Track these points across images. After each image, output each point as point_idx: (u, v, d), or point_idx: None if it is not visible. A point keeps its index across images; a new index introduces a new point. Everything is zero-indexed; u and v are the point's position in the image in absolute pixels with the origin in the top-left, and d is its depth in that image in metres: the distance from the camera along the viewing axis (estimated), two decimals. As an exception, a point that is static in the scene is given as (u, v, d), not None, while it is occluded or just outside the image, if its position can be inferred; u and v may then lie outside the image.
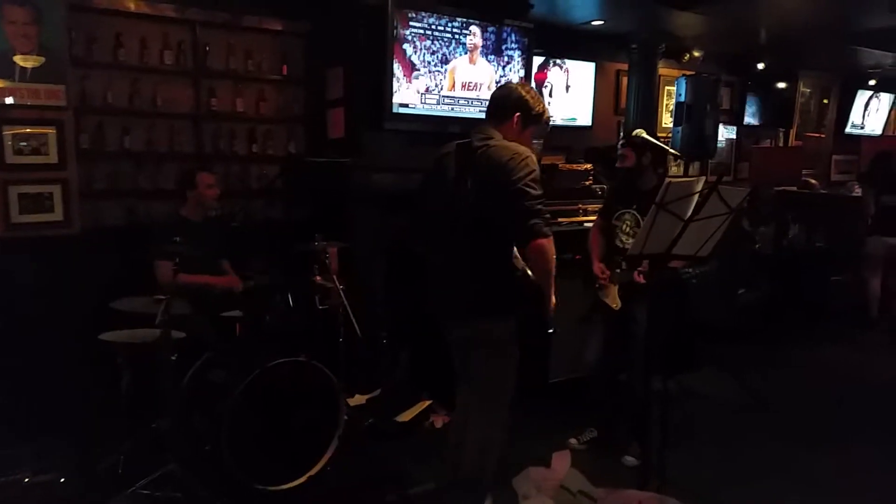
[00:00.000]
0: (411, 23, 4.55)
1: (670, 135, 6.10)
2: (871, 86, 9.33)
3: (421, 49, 4.63)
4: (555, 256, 2.65)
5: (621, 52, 6.50)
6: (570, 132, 6.45)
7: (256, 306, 3.66)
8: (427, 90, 4.71)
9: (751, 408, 4.64)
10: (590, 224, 4.17)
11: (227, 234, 4.29)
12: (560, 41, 6.10)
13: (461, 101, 4.90)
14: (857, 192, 7.63)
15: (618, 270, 3.68)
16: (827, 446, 4.01)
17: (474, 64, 4.93)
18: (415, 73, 4.64)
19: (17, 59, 3.83)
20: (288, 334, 3.59)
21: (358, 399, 4.30)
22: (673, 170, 6.82)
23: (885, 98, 9.78)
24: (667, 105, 7.18)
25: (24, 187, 3.92)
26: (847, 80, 9.29)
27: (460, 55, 4.84)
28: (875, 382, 5.22)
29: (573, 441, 3.91)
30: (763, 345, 5.93)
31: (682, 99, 5.86)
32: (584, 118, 6.65)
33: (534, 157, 2.69)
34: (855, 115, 9.51)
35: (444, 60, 4.77)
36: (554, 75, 6.33)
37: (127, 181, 4.54)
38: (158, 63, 4.58)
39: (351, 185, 4.66)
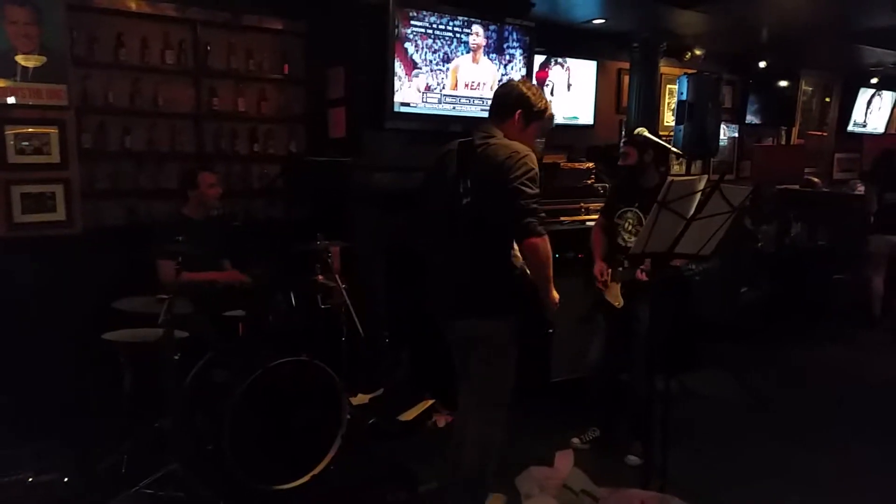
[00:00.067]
0: (412, 22, 4.55)
1: (672, 133, 6.09)
2: (873, 84, 9.31)
3: (422, 48, 4.62)
4: (551, 255, 2.65)
5: (623, 50, 6.49)
6: (572, 131, 6.45)
7: (259, 306, 3.66)
8: (428, 89, 4.70)
9: (752, 407, 4.64)
10: (592, 223, 4.17)
11: (229, 233, 4.29)
12: (561, 40, 6.09)
13: (462, 100, 4.89)
14: (860, 190, 7.63)
15: (620, 269, 3.67)
16: (827, 446, 4.00)
17: (477, 63, 4.93)
18: (417, 71, 4.63)
19: (19, 58, 3.83)
20: (290, 334, 3.59)
21: (360, 398, 4.30)
22: (675, 168, 6.81)
23: (888, 96, 9.77)
24: (668, 104, 7.17)
25: (27, 187, 3.92)
26: (849, 79, 9.27)
27: (462, 54, 4.83)
28: (877, 382, 5.21)
29: (576, 440, 3.91)
30: (765, 344, 5.92)
31: (684, 97, 5.85)
32: (586, 117, 6.64)
33: (533, 156, 2.69)
34: (857, 114, 9.49)
35: (446, 59, 4.76)
36: (555, 74, 6.32)
37: (128, 181, 4.54)
38: (159, 63, 4.57)
39: (352, 185, 4.66)
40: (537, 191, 2.64)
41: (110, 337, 3.44)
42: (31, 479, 3.26)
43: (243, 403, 3.17)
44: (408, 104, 4.63)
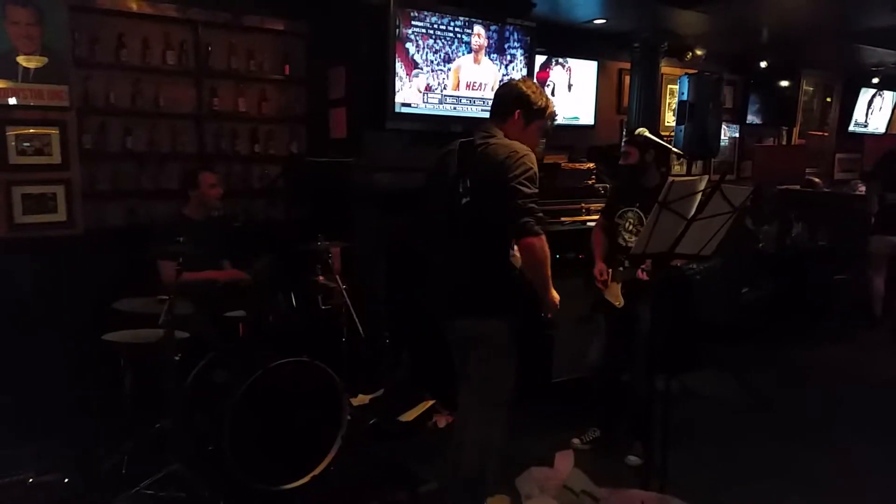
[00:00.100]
0: (413, 22, 4.55)
1: (673, 133, 6.09)
2: (875, 84, 9.30)
3: (423, 48, 4.62)
4: (548, 255, 2.65)
5: (623, 50, 6.48)
6: (573, 131, 6.44)
7: (259, 306, 3.66)
8: (429, 89, 4.71)
9: (752, 407, 4.64)
10: (592, 223, 4.17)
11: (230, 233, 4.29)
12: (562, 40, 6.09)
13: (463, 101, 4.90)
14: (861, 190, 7.62)
15: (620, 268, 3.67)
16: (828, 446, 4.00)
17: (479, 64, 4.93)
18: (418, 72, 4.63)
19: (20, 59, 3.84)
20: (290, 334, 3.60)
21: (361, 399, 4.30)
22: (676, 168, 6.81)
23: (889, 96, 9.76)
24: (669, 104, 7.17)
25: (28, 188, 3.93)
26: (850, 79, 9.27)
27: (463, 54, 4.83)
28: (877, 382, 5.21)
29: (576, 441, 3.91)
30: (765, 344, 5.92)
31: (685, 98, 5.85)
32: (587, 117, 6.63)
33: (532, 156, 2.69)
34: (858, 114, 9.49)
35: (448, 59, 4.76)
36: (556, 74, 6.32)
37: (129, 181, 4.55)
38: (160, 63, 4.58)
39: (353, 185, 4.66)
40: (535, 190, 2.64)
41: (111, 337, 3.44)
42: (31, 480, 3.26)
43: (244, 404, 3.17)
44: (408, 104, 4.63)
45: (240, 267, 4.13)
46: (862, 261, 6.66)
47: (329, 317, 4.06)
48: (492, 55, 4.97)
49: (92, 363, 3.74)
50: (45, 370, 3.80)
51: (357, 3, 4.60)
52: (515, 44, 5.08)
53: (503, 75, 5.03)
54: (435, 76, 4.72)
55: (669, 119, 7.09)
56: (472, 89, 4.93)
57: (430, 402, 4.28)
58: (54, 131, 3.97)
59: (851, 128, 9.50)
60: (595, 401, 3.97)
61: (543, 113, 2.84)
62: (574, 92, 6.49)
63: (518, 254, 2.73)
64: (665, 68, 6.69)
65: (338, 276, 4.01)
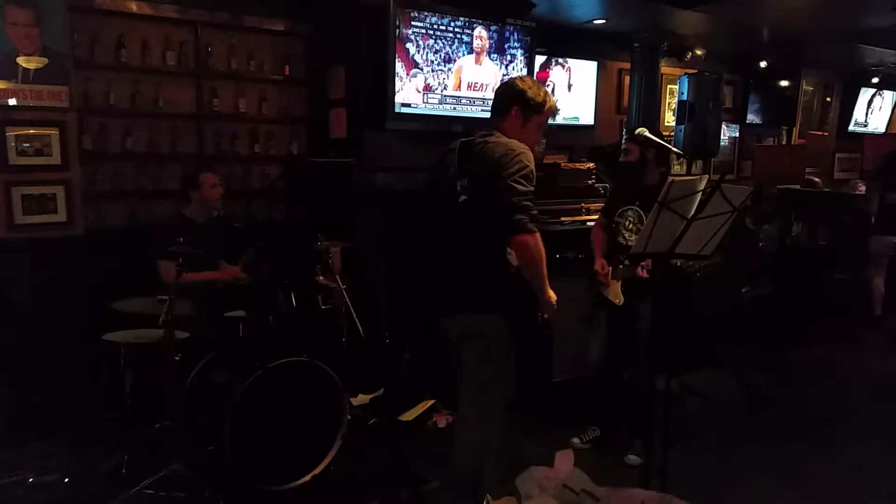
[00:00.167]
0: (413, 22, 4.55)
1: (672, 133, 6.09)
2: (874, 83, 9.30)
3: (424, 48, 4.62)
4: (543, 253, 2.65)
5: (623, 50, 6.49)
6: (573, 131, 6.45)
7: (259, 306, 3.67)
8: (429, 89, 4.71)
9: (752, 407, 4.63)
10: (592, 223, 4.17)
11: (230, 234, 4.30)
12: (562, 40, 6.09)
13: (463, 101, 4.90)
14: (861, 190, 7.62)
15: (620, 266, 3.68)
16: (828, 446, 4.00)
17: (480, 65, 4.94)
18: (418, 72, 4.63)
19: (20, 60, 3.84)
20: (291, 334, 3.60)
21: (361, 399, 4.30)
22: (675, 168, 6.81)
23: (889, 96, 9.76)
24: (669, 104, 7.17)
25: (28, 188, 3.93)
26: (850, 78, 9.26)
27: (464, 55, 4.84)
28: (877, 382, 5.20)
29: (576, 440, 3.91)
30: (765, 343, 5.92)
31: (685, 97, 5.85)
32: (587, 117, 6.64)
33: (529, 154, 2.70)
34: (858, 113, 9.49)
35: (448, 59, 4.77)
36: (556, 74, 6.32)
37: (129, 182, 4.55)
38: (160, 64, 4.58)
39: (353, 185, 4.66)
40: (531, 188, 2.64)
41: (111, 338, 3.44)
42: (31, 480, 3.26)
43: (244, 404, 3.18)
44: (408, 105, 4.63)
45: (234, 261, 4.13)
46: (862, 260, 6.67)
47: (329, 317, 4.06)
48: (492, 55, 4.98)
49: (92, 363, 3.75)
50: (45, 370, 3.81)
51: (357, 4, 4.61)
52: (515, 44, 5.08)
53: (503, 75, 5.03)
54: (435, 76, 4.73)
55: (669, 119, 7.09)
56: (473, 90, 4.94)
57: (430, 402, 4.28)
58: (54, 132, 3.97)
59: (851, 127, 9.50)
60: (595, 400, 3.97)
61: (541, 108, 2.84)
62: (574, 92, 6.49)
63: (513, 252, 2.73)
64: (665, 68, 6.69)
65: (338, 277, 4.01)
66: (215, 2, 4.67)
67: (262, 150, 5.01)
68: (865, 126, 9.68)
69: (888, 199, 6.37)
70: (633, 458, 3.68)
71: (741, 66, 7.95)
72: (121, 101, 4.46)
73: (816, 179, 7.85)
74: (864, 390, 5.01)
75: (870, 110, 9.65)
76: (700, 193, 2.72)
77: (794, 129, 8.72)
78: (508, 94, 2.85)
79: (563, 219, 4.88)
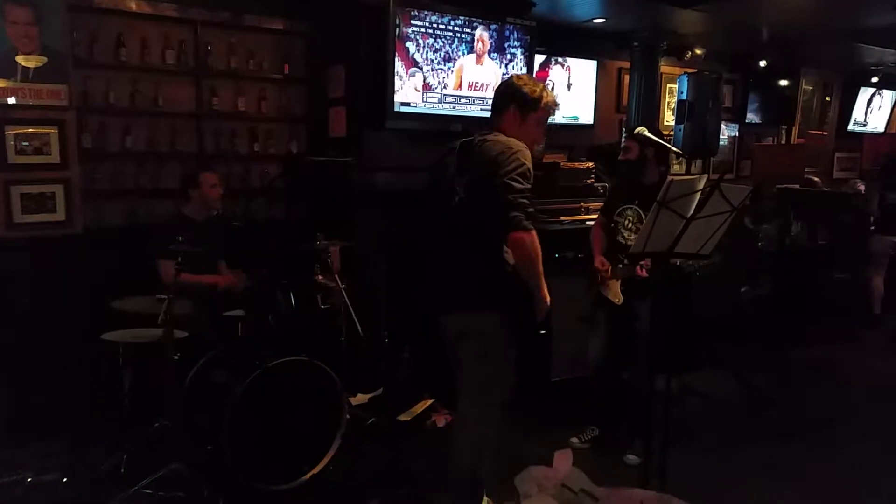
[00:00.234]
0: (413, 21, 4.55)
1: (672, 132, 6.09)
2: (874, 83, 9.30)
3: (423, 47, 4.62)
4: (539, 251, 2.65)
5: (623, 49, 6.49)
6: (572, 130, 6.45)
7: (259, 306, 3.66)
8: (429, 88, 4.70)
9: (752, 407, 4.63)
10: (591, 223, 4.17)
11: (230, 233, 4.30)
12: (562, 39, 6.09)
13: (463, 100, 4.90)
14: (860, 188, 7.62)
15: (620, 265, 3.67)
16: (828, 446, 4.00)
17: (481, 65, 4.93)
18: (418, 71, 4.63)
19: (20, 59, 3.83)
20: (290, 334, 3.60)
21: (360, 398, 4.30)
22: (675, 167, 6.80)
23: (888, 95, 9.76)
24: (668, 103, 7.17)
25: (27, 187, 3.93)
26: (849, 78, 9.26)
27: (464, 54, 4.83)
28: (877, 382, 5.20)
29: (575, 440, 3.91)
30: (765, 343, 5.92)
31: (684, 97, 5.84)
32: (586, 116, 6.63)
33: (526, 152, 2.70)
34: (857, 113, 9.48)
35: (448, 58, 4.76)
36: (556, 73, 6.32)
37: (129, 181, 4.55)
38: (160, 63, 4.58)
39: (352, 185, 4.66)
40: (527, 186, 2.65)
41: (110, 337, 3.44)
42: (30, 480, 3.27)
43: (243, 403, 3.18)
44: (408, 104, 4.63)
45: (237, 269, 4.12)
46: (861, 260, 6.67)
47: (328, 316, 4.06)
48: (492, 54, 4.98)
49: (91, 362, 3.74)
50: (44, 370, 3.81)
51: (356, 3, 4.60)
52: (515, 43, 5.08)
53: (503, 74, 5.03)
54: (435, 75, 4.72)
55: (669, 118, 7.09)
56: (474, 89, 4.94)
57: (429, 401, 4.28)
58: (53, 131, 3.97)
59: (851, 127, 9.49)
60: (595, 400, 3.97)
61: (537, 105, 2.83)
62: (573, 91, 6.49)
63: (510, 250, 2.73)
64: (664, 67, 6.69)
65: (337, 276, 4.01)
66: (215, 0, 4.66)
67: (262, 149, 5.00)
68: (865, 125, 9.68)
69: (888, 199, 6.37)
70: (632, 458, 3.68)
71: (741, 66, 7.95)
72: (120, 100, 4.46)
73: (816, 179, 7.84)
74: (864, 390, 5.01)
75: (869, 110, 9.64)
76: (699, 193, 2.72)
77: (794, 128, 8.72)
78: (505, 92, 2.86)
79: (562, 218, 4.88)
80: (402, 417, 4.14)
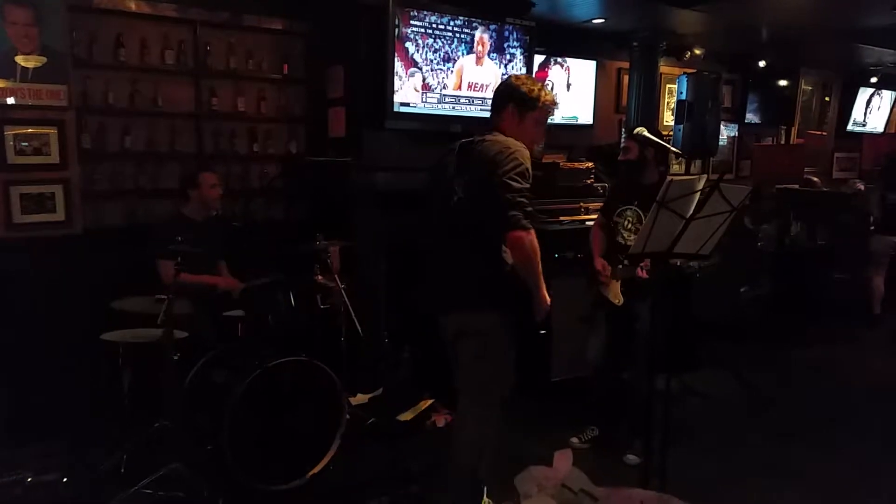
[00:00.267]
0: (412, 21, 4.55)
1: (671, 133, 6.09)
2: (873, 83, 9.30)
3: (423, 47, 4.62)
4: (537, 250, 2.66)
5: (622, 50, 6.49)
6: (572, 130, 6.45)
7: (258, 306, 3.66)
8: (428, 88, 4.70)
9: (752, 407, 4.63)
10: (591, 223, 4.17)
11: (229, 233, 4.30)
12: (561, 39, 6.09)
13: (462, 100, 4.90)
14: (859, 187, 7.63)
15: (620, 266, 3.67)
16: (827, 446, 4.00)
17: (481, 66, 4.94)
18: (417, 71, 4.63)
19: (19, 59, 3.83)
20: (290, 334, 3.60)
21: (360, 398, 4.30)
22: (674, 168, 6.81)
23: (887, 95, 9.76)
24: (668, 103, 7.17)
25: (26, 187, 3.93)
26: (848, 78, 9.26)
27: (464, 54, 4.83)
28: (877, 382, 5.21)
29: (575, 440, 3.91)
30: (765, 343, 5.92)
31: (684, 97, 5.85)
32: (586, 116, 6.63)
33: (525, 152, 2.71)
34: (857, 113, 9.49)
35: (447, 59, 4.76)
36: (555, 73, 6.32)
37: (128, 181, 4.54)
38: (159, 63, 4.57)
39: (352, 185, 4.66)
40: (526, 185, 2.66)
41: (109, 337, 3.44)
42: (30, 479, 3.27)
43: (243, 403, 3.18)
44: (407, 104, 4.63)
45: (238, 274, 4.12)
46: (861, 260, 6.67)
47: (328, 316, 4.06)
48: (491, 54, 4.98)
49: (91, 362, 3.74)
50: (44, 370, 3.80)
51: (356, 3, 4.60)
52: (515, 43, 5.08)
53: (502, 74, 5.03)
54: (434, 75, 4.72)
55: (668, 118, 7.09)
56: (474, 90, 4.94)
57: (429, 402, 4.28)
58: (53, 131, 3.97)
59: (850, 127, 9.50)
60: (595, 400, 3.97)
61: (535, 104, 2.84)
62: (573, 91, 6.49)
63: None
64: (664, 67, 6.69)
65: (336, 276, 4.01)
66: (214, 1, 4.66)
67: (261, 150, 5.00)
68: (864, 126, 9.69)
69: (889, 200, 6.37)
70: (632, 458, 3.68)
71: (740, 66, 7.95)
72: (119, 100, 4.45)
73: (815, 179, 7.85)
74: (864, 390, 5.01)
75: (868, 110, 9.65)
76: (699, 193, 2.72)
77: (793, 128, 8.72)
78: (504, 92, 2.87)
79: (561, 218, 4.88)
80: (402, 417, 4.14)
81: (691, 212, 2.70)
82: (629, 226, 3.70)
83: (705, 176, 4.24)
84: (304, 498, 3.30)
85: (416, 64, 4.61)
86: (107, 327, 3.51)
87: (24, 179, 3.92)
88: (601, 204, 4.15)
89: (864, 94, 9.41)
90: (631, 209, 3.70)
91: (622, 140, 4.02)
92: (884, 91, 9.63)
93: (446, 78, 4.79)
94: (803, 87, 8.70)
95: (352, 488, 3.39)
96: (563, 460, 3.13)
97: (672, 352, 3.54)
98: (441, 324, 2.91)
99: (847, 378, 5.27)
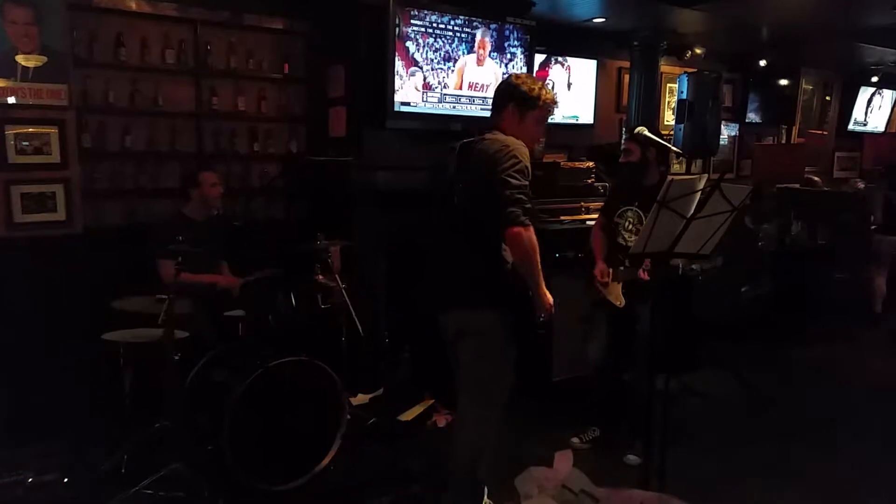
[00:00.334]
0: (413, 20, 4.54)
1: (672, 132, 6.09)
2: (874, 83, 9.30)
3: (424, 46, 4.62)
4: (536, 247, 2.67)
5: (623, 49, 6.48)
6: (572, 130, 6.45)
7: (259, 306, 3.66)
8: (429, 88, 4.70)
9: (751, 407, 4.63)
10: (592, 222, 4.16)
11: (230, 233, 4.29)
12: (562, 39, 6.09)
13: (463, 100, 4.89)
14: (860, 186, 7.63)
15: (621, 268, 3.67)
16: (828, 446, 4.00)
17: (482, 65, 4.93)
18: (418, 71, 4.63)
19: (20, 58, 3.83)
20: (290, 334, 3.59)
21: (360, 398, 4.30)
22: (675, 167, 6.80)
23: (888, 94, 9.76)
24: (669, 102, 7.16)
25: (27, 187, 3.92)
26: (849, 77, 9.26)
27: (464, 53, 4.83)
28: (877, 381, 5.20)
29: (575, 440, 3.90)
30: (765, 343, 5.92)
31: (684, 96, 5.85)
32: (586, 116, 6.63)
33: (524, 150, 2.72)
34: (857, 112, 9.48)
35: (448, 58, 4.76)
36: (556, 73, 6.32)
37: (128, 180, 4.54)
38: (160, 62, 4.57)
39: (352, 184, 4.66)
40: (524, 183, 2.67)
41: (110, 337, 3.44)
42: (31, 480, 3.26)
43: (243, 403, 3.18)
44: (408, 103, 4.62)
45: (239, 268, 4.12)
46: (861, 259, 6.67)
47: (328, 316, 4.06)
48: (492, 53, 4.97)
49: (91, 362, 3.74)
50: (44, 370, 3.80)
51: (356, 2, 4.60)
52: (515, 42, 5.08)
53: (503, 74, 5.02)
54: (435, 75, 4.72)
55: (669, 118, 7.08)
56: (474, 89, 4.94)
57: (430, 402, 4.28)
58: (53, 130, 3.96)
59: (851, 126, 9.50)
60: (595, 400, 3.97)
61: (535, 103, 2.84)
62: (573, 91, 6.49)
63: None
64: (664, 67, 6.69)
65: (337, 276, 4.00)
66: (214, 0, 4.66)
67: (262, 149, 5.00)
68: (865, 125, 9.68)
69: (893, 200, 6.37)
70: (632, 459, 3.67)
71: (741, 65, 7.94)
72: (120, 100, 4.45)
73: (816, 178, 7.85)
74: (864, 390, 5.01)
75: (869, 109, 9.64)
76: (699, 193, 2.72)
77: (794, 127, 8.72)
78: (504, 91, 2.88)
79: (562, 218, 4.88)
80: (403, 417, 4.14)
81: (692, 211, 2.69)
82: (630, 227, 3.70)
83: (706, 175, 4.24)
84: (304, 498, 3.30)
85: (416, 63, 4.61)
86: (107, 327, 3.51)
87: (24, 179, 3.91)
88: (601, 203, 4.14)
89: (864, 93, 9.41)
90: (632, 210, 3.70)
91: (623, 140, 4.02)
92: (885, 90, 9.62)
93: (447, 77, 4.78)
94: (804, 86, 8.69)
95: (352, 488, 3.39)
96: (563, 461, 3.13)
97: (672, 352, 3.54)
98: (441, 323, 2.91)
99: (847, 378, 5.27)
